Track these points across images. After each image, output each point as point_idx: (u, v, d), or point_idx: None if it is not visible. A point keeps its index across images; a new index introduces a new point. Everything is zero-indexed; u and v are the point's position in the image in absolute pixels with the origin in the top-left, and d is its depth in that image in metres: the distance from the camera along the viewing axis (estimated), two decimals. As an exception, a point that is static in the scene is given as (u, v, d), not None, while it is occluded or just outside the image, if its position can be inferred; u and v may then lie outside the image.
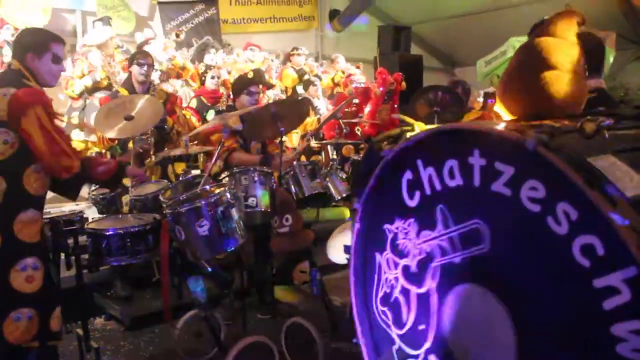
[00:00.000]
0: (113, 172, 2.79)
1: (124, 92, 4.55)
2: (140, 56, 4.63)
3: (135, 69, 4.58)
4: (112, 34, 6.68)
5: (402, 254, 2.11)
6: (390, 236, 2.17)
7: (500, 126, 1.67)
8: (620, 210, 1.29)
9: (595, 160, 1.39)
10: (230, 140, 4.16)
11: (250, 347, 3.11)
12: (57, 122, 2.62)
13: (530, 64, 1.88)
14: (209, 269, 3.32)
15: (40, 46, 2.67)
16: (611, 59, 9.80)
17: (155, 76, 5.43)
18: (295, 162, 4.11)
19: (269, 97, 7.36)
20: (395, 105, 6.70)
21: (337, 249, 3.58)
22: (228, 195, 3.05)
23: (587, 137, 1.45)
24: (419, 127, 2.29)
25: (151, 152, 4.33)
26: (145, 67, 4.57)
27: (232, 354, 3.01)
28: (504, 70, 2.04)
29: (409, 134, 1.97)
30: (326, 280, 4.00)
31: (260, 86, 6.75)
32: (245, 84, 4.47)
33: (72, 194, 2.86)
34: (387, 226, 2.19)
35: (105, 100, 4.59)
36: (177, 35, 8.23)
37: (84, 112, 6.12)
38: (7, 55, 6.42)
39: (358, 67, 9.21)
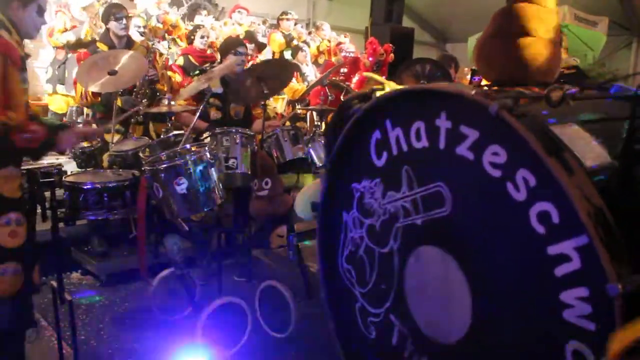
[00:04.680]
0: (39, 142, 2.54)
1: (102, 47, 4.48)
2: (116, 10, 4.52)
3: (113, 25, 4.48)
4: None
5: (367, 214, 2.12)
6: (357, 195, 2.18)
7: (469, 89, 1.66)
8: (576, 179, 1.31)
9: (558, 128, 1.41)
10: (189, 99, 4.16)
11: (224, 307, 3.14)
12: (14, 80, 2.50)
13: (506, 29, 1.87)
14: (186, 228, 3.34)
15: None
16: (602, 44, 9.82)
17: (133, 32, 5.30)
18: (278, 127, 4.10)
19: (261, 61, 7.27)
20: (384, 77, 6.67)
21: (305, 206, 3.59)
22: (208, 155, 3.04)
23: (553, 105, 1.46)
24: (390, 86, 2.28)
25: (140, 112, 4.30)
26: (124, 21, 4.49)
27: (206, 313, 3.04)
28: (480, 35, 2.03)
29: (378, 93, 1.95)
30: (303, 247, 4.05)
31: (253, 47, 6.68)
32: (233, 44, 4.42)
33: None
34: (354, 185, 2.20)
35: (84, 56, 4.49)
36: None
37: (64, 65, 6.01)
38: None
39: (346, 36, 9.11)
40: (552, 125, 1.43)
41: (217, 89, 4.18)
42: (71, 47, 5.92)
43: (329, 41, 8.67)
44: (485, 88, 1.98)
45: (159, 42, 6.79)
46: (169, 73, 5.59)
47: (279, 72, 3.94)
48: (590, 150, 1.38)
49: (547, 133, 1.41)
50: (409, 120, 1.88)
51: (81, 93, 4.34)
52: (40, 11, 2.66)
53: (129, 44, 4.62)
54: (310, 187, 3.78)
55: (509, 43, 1.84)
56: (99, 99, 4.32)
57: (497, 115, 1.45)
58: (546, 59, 1.86)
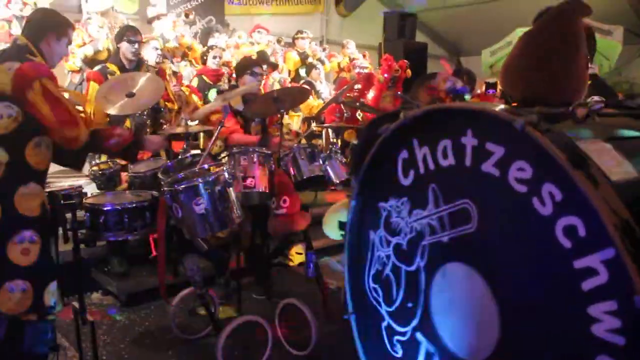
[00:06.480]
0: (127, 144, 2.78)
1: (113, 68, 4.53)
2: (131, 33, 4.57)
3: (124, 45, 4.53)
4: (112, 4, 6.67)
5: (394, 232, 2.13)
6: (384, 214, 2.19)
7: (494, 106, 1.67)
8: (602, 192, 1.30)
9: (583, 143, 1.40)
10: (231, 121, 4.17)
11: (244, 326, 3.13)
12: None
13: (533, 50, 1.88)
14: (205, 247, 3.34)
15: (62, 30, 2.79)
16: (618, 53, 9.76)
17: (151, 54, 5.37)
18: (294, 145, 4.11)
19: (274, 78, 7.35)
20: (399, 92, 6.70)
21: (333, 225, 3.59)
22: (226, 174, 3.06)
23: (578, 122, 1.46)
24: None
25: (147, 130, 4.33)
26: (136, 45, 4.53)
27: (226, 332, 3.04)
28: (507, 55, 2.04)
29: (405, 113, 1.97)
30: (322, 264, 4.04)
31: (265, 67, 6.76)
32: (249, 65, 4.47)
33: (77, 165, 2.87)
34: (381, 204, 2.21)
35: (94, 75, 4.55)
36: (187, 16, 8.19)
37: (81, 87, 6.09)
38: (15, 29, 6.32)
39: (364, 56, 9.19)
40: (578, 141, 1.43)
41: (239, 105, 4.22)
42: (89, 63, 6.00)
43: (350, 58, 8.77)
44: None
45: (176, 60, 6.90)
46: (184, 89, 5.65)
47: (295, 93, 4.00)
48: (616, 165, 1.38)
49: (573, 148, 1.41)
50: (435, 139, 1.90)
51: (88, 115, 4.37)
52: (69, 43, 2.83)
53: (139, 66, 4.67)
54: (338, 207, 3.80)
55: (536, 64, 1.85)
56: (108, 119, 4.36)
57: (523, 131, 1.46)
58: (574, 79, 1.86)
